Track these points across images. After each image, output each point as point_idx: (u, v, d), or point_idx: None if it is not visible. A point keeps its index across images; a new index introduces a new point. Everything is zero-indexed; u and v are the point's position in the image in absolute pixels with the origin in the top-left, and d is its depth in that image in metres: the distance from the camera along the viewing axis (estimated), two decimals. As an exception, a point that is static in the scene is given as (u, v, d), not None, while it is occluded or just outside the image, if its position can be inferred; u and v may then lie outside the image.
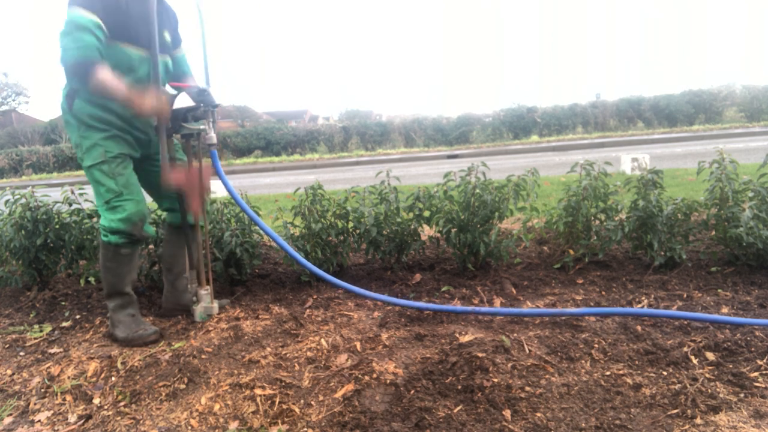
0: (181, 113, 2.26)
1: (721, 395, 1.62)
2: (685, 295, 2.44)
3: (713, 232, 2.88)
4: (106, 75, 2.12)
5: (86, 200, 3.10)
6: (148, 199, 2.56)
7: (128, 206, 2.31)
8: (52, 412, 1.88)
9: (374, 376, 1.83)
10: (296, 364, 1.99)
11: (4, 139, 24.91)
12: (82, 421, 1.80)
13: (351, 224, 3.02)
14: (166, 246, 2.66)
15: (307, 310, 2.53)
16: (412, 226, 3.01)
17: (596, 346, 1.97)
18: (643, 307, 2.34)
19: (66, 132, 2.39)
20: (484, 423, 1.58)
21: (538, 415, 1.60)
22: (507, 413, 1.61)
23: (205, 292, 2.50)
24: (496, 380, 1.75)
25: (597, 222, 2.95)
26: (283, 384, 1.85)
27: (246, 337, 2.25)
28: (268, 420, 1.69)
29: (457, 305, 2.44)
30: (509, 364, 1.84)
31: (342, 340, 2.14)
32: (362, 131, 20.72)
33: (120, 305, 2.43)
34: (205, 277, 2.53)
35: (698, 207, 2.79)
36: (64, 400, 1.94)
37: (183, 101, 2.25)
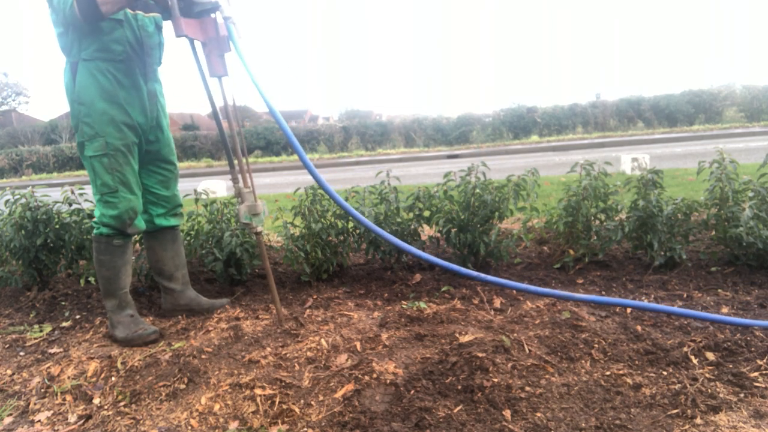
0: None
1: (721, 395, 1.62)
2: (685, 295, 2.44)
3: (713, 232, 2.88)
4: None
5: (86, 200, 3.10)
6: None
7: (121, 204, 2.32)
8: (52, 412, 1.88)
9: (374, 376, 1.83)
10: (296, 364, 1.99)
11: (4, 139, 24.92)
12: (82, 421, 1.80)
13: (351, 224, 3.02)
14: (149, 253, 2.66)
15: (307, 310, 2.52)
16: (412, 226, 3.01)
17: (596, 346, 1.97)
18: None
19: (69, 116, 2.38)
20: (484, 423, 1.58)
21: (538, 415, 1.60)
22: (507, 413, 1.61)
23: (248, 190, 2.30)
24: (496, 380, 1.75)
25: (597, 222, 2.95)
26: (283, 384, 1.85)
27: (246, 337, 2.25)
28: (268, 420, 1.69)
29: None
30: (509, 364, 1.84)
31: (342, 340, 2.14)
32: (362, 131, 20.73)
33: (118, 306, 2.43)
34: (247, 177, 2.32)
35: (698, 207, 2.79)
36: (64, 400, 1.94)
37: None
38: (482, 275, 2.34)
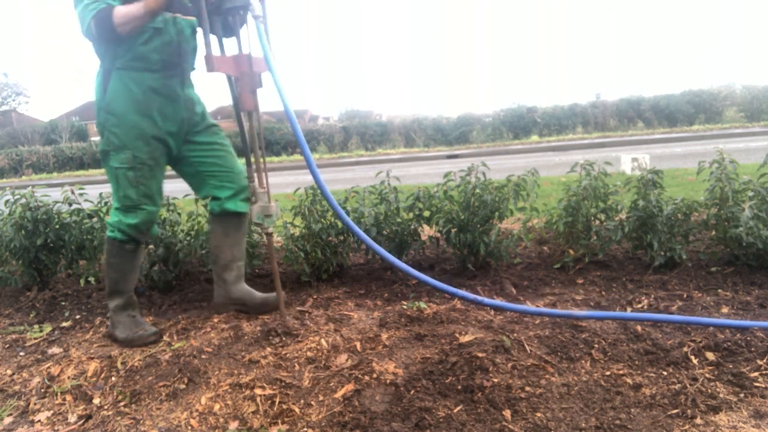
0: None
1: (721, 395, 1.62)
2: (685, 295, 2.44)
3: (713, 232, 2.88)
4: (121, 9, 2.06)
5: (86, 200, 3.10)
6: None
7: (140, 215, 2.31)
8: (52, 412, 1.88)
9: (374, 376, 1.83)
10: (296, 364, 1.99)
11: (4, 139, 24.95)
12: (82, 421, 1.81)
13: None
14: (211, 236, 2.58)
15: (307, 310, 2.53)
16: (412, 226, 3.01)
17: (596, 346, 1.97)
18: (642, 307, 2.35)
19: (96, 121, 2.31)
20: (484, 423, 1.58)
21: (538, 415, 1.60)
22: (507, 413, 1.61)
23: (262, 191, 2.27)
24: (496, 380, 1.75)
25: (597, 222, 2.95)
26: (283, 384, 1.85)
27: (246, 337, 2.25)
28: (268, 420, 1.69)
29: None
30: (509, 364, 1.84)
31: (342, 340, 2.14)
32: (362, 131, 20.74)
33: (121, 306, 2.42)
34: (263, 177, 2.29)
35: (698, 207, 2.79)
36: (64, 400, 1.94)
37: None
38: (479, 298, 2.32)
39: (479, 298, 2.32)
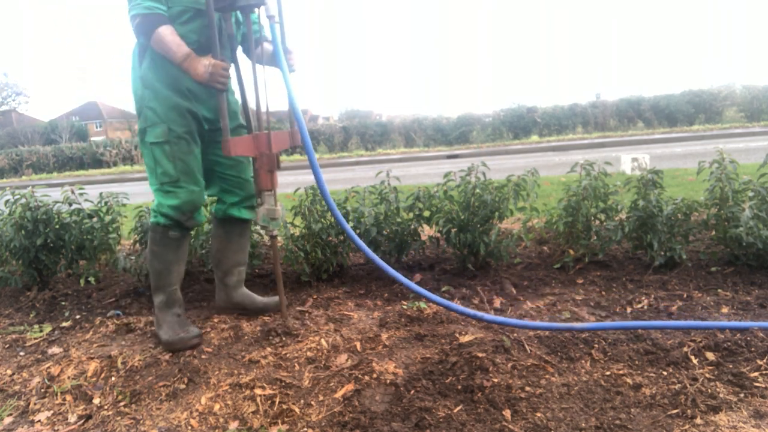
0: None
1: (721, 395, 1.62)
2: (685, 295, 2.44)
3: (713, 232, 2.88)
4: (167, 32, 2.09)
5: (86, 200, 3.10)
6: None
7: (181, 194, 2.24)
8: (52, 412, 1.88)
9: (374, 376, 1.83)
10: (296, 364, 1.99)
11: (4, 139, 24.98)
12: (82, 421, 1.81)
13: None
14: (213, 240, 2.57)
15: (307, 310, 2.53)
16: (412, 226, 3.01)
17: (596, 346, 1.97)
18: (642, 307, 2.35)
19: (132, 97, 2.31)
20: (484, 423, 1.58)
21: (538, 415, 1.60)
22: (507, 413, 1.61)
23: (269, 192, 2.25)
24: (496, 380, 1.75)
25: (597, 222, 2.95)
26: (283, 384, 1.86)
27: (246, 337, 2.25)
28: (268, 420, 1.69)
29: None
30: (509, 364, 1.84)
31: (342, 340, 2.14)
32: (362, 131, 20.73)
33: (164, 303, 2.33)
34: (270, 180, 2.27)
35: (698, 207, 2.79)
36: (64, 400, 1.94)
37: None
38: (479, 314, 2.20)
39: (479, 313, 2.22)
